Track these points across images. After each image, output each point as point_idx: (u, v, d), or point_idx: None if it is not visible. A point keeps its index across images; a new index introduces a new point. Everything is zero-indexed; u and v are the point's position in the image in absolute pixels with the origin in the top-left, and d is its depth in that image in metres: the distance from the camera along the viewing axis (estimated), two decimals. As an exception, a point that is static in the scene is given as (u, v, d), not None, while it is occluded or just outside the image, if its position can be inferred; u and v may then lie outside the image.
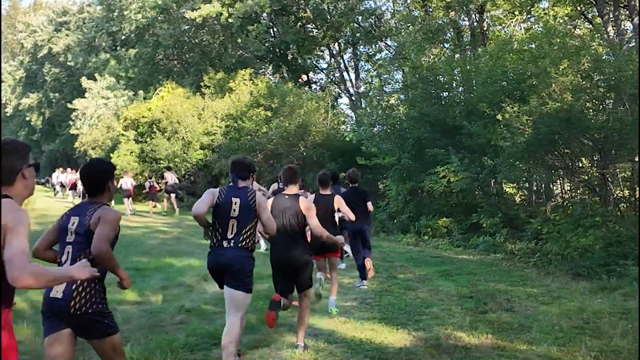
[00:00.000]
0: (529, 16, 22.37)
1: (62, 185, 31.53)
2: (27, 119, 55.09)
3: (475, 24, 23.82)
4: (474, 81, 17.60)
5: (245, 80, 28.71)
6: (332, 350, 6.02)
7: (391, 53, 29.73)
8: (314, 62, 36.47)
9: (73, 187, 28.41)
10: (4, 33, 68.29)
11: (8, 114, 57.98)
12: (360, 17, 31.43)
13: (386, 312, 7.70)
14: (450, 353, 5.99)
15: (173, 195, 23.83)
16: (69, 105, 42.14)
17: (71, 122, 42.96)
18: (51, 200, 30.07)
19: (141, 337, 6.28)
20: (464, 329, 6.75)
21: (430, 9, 25.21)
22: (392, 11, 31.14)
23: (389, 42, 30.77)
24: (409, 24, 25.96)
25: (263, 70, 36.29)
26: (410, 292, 8.97)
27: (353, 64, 34.59)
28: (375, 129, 21.02)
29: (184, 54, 37.36)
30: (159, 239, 15.96)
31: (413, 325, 7.02)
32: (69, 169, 33.20)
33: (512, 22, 21.94)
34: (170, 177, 23.90)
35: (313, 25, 33.19)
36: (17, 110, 56.02)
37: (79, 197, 27.03)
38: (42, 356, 5.63)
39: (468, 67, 18.09)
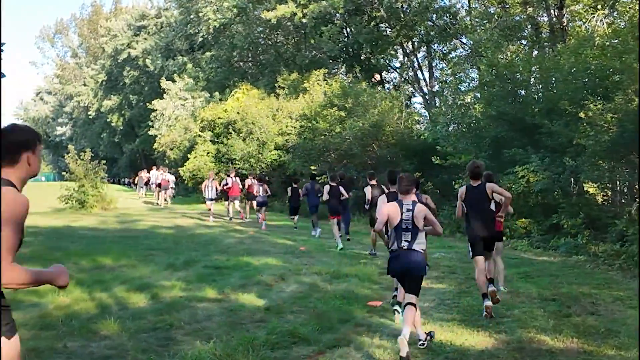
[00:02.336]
0: (611, 10, 21.58)
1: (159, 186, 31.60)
2: (108, 120, 57.05)
3: (554, 19, 23.14)
4: (553, 78, 17.13)
5: (319, 80, 28.83)
6: (412, 352, 5.95)
7: (466, 51, 29.28)
8: (387, 62, 36.33)
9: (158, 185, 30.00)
10: (86, 37, 71.01)
11: (91, 116, 60.30)
12: (434, 15, 31.09)
13: (465, 314, 7.58)
14: (534, 357, 5.84)
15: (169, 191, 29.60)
16: (148, 106, 43.44)
17: (150, 123, 44.24)
18: (132, 200, 31.06)
19: (223, 334, 6.38)
20: (547, 333, 6.58)
21: (507, 6, 24.64)
22: (467, 8, 30.67)
23: (464, 40, 30.34)
24: (485, 21, 25.48)
25: (336, 70, 36.38)
26: (489, 294, 8.80)
27: (427, 62, 34.28)
28: (450, 128, 20.75)
29: (259, 56, 37.87)
30: (236, 238, 16.22)
31: (494, 327, 6.87)
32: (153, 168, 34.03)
33: (593, 17, 21.21)
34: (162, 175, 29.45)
35: (386, 24, 33.04)
36: (99, 112, 58.10)
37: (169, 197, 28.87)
38: (129, 351, 5.83)
39: (547, 64, 17.60)
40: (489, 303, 7.29)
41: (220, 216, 22.74)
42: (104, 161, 25.95)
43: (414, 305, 5.94)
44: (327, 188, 15.41)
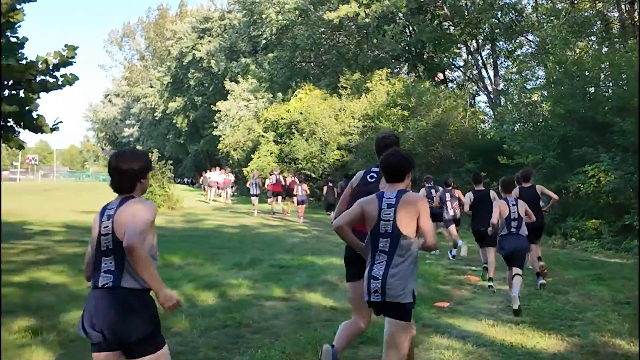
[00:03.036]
0: (686, 4, 20.84)
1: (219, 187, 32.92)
2: (174, 121, 58.15)
3: (625, 15, 22.47)
4: (624, 75, 16.64)
5: (381, 80, 28.73)
6: (482, 354, 5.87)
7: (533, 48, 28.68)
8: (451, 60, 35.93)
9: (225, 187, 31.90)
10: (153, 40, 72.55)
11: (157, 118, 61.58)
12: (499, 12, 30.55)
13: (536, 316, 7.41)
14: (609, 361, 5.69)
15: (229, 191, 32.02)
16: (212, 107, 44.14)
17: (214, 124, 44.94)
18: (197, 200, 31.61)
19: (291, 333, 6.42)
20: (622, 337, 6.38)
21: (576, 1, 24.06)
22: (533, 5, 30.03)
23: (530, 37, 29.73)
24: (552, 17, 24.91)
25: (398, 69, 36.20)
26: (560, 296, 8.59)
27: (491, 60, 33.74)
28: (517, 126, 20.39)
29: (321, 56, 37.99)
30: (300, 237, 16.33)
31: (566, 330, 6.71)
32: (219, 169, 35.07)
33: (667, 11, 20.52)
34: (218, 176, 32.18)
35: (450, 22, 32.69)
36: (165, 114, 59.29)
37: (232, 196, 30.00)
38: (200, 348, 5.94)
39: (618, 60, 17.08)
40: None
41: (272, 213, 24.39)
42: (170, 161, 26.46)
43: (520, 275, 7.90)
44: None
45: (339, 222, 4.33)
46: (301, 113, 30.50)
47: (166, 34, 61.73)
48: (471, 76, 35.45)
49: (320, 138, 29.27)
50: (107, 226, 3.37)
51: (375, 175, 4.97)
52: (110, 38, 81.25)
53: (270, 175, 25.02)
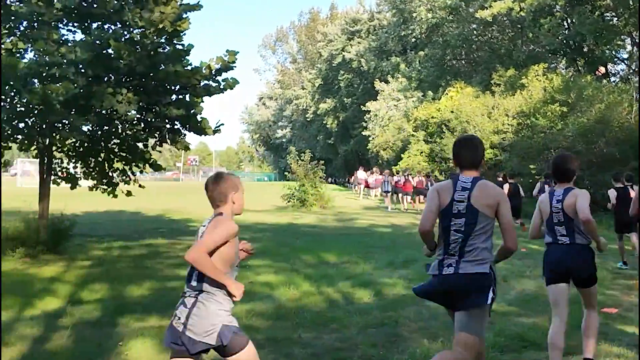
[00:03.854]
0: None
1: (367, 186, 34.22)
2: (324, 122, 59.36)
3: None
4: None
5: (537, 75, 27.62)
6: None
7: None
8: (614, 53, 33.83)
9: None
10: (304, 43, 74.40)
11: (308, 119, 63.20)
12: (669, 0, 28.39)
13: None
14: None
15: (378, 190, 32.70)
16: (362, 108, 44.58)
17: (363, 124, 45.37)
18: (348, 199, 32.02)
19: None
20: None
21: None
22: None
23: None
24: None
25: (555, 64, 34.69)
26: None
27: (660, 51, 31.46)
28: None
29: (472, 53, 37.25)
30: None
31: None
32: (362, 169, 36.28)
33: None
34: (370, 176, 34.16)
35: (613, 13, 30.82)
36: (316, 115, 60.66)
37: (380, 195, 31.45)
38: (359, 345, 5.96)
39: None
40: None
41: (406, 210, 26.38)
42: (322, 162, 27.04)
43: None
44: None
45: None
46: (452, 111, 30.02)
47: (317, 37, 63.10)
48: (637, 69, 33.21)
49: (472, 137, 28.62)
50: (558, 206, 5.10)
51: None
52: (264, 43, 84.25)
53: (397, 175, 28.80)
